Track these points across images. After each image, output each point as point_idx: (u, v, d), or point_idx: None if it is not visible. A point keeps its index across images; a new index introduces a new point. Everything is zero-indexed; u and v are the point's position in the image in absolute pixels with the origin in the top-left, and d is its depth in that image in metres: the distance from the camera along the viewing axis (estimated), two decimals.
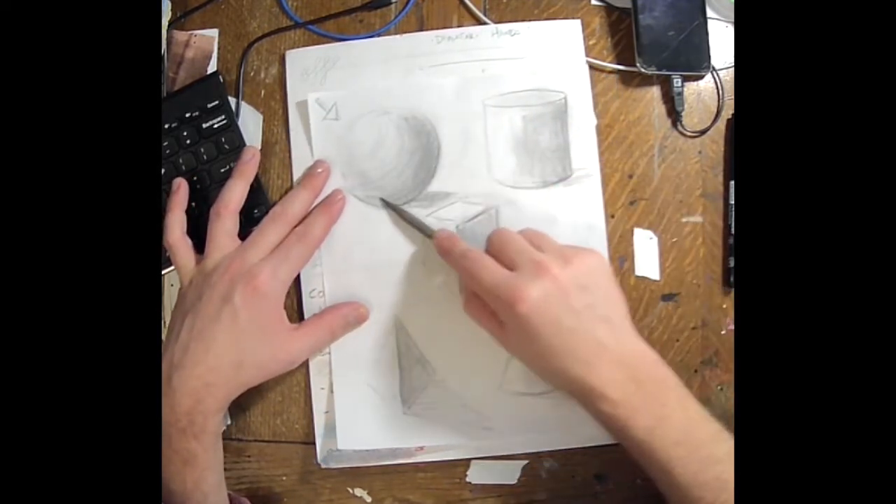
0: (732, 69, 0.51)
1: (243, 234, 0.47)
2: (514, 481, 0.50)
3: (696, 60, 0.50)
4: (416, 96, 0.50)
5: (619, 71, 0.51)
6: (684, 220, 0.51)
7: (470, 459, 0.50)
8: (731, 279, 0.50)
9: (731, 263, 0.49)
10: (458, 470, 0.50)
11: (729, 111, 0.51)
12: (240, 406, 0.51)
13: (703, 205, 0.51)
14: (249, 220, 0.49)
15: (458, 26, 0.52)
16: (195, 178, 0.51)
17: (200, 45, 0.53)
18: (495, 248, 0.44)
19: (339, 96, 0.51)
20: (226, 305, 0.44)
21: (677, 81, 0.50)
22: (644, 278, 0.50)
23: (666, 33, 0.49)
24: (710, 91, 0.51)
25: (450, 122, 0.50)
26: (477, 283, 0.42)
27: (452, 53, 0.51)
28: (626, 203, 0.51)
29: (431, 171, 0.50)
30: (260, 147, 0.52)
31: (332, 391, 0.50)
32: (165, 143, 0.50)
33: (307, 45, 0.52)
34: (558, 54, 0.51)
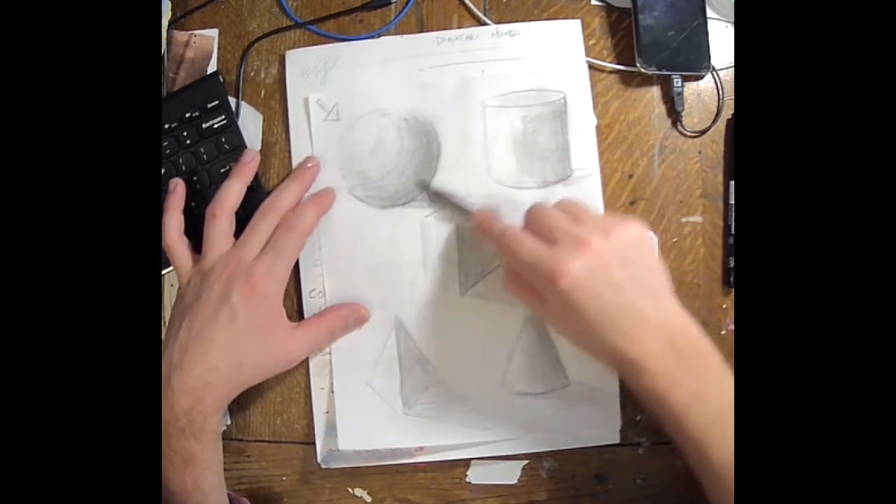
0: (732, 69, 0.51)
1: (240, 233, 0.47)
2: (514, 481, 0.50)
3: (696, 60, 0.50)
4: (416, 97, 0.50)
5: (619, 71, 0.51)
6: (684, 220, 0.51)
7: (470, 459, 0.50)
8: (731, 279, 0.50)
9: (731, 263, 0.49)
10: (458, 470, 0.50)
11: (729, 111, 0.51)
12: (240, 406, 0.51)
13: (703, 205, 0.51)
14: (248, 220, 0.49)
15: (458, 27, 0.52)
16: (195, 178, 0.51)
17: (200, 45, 0.54)
18: (533, 223, 0.43)
19: (340, 97, 0.51)
20: (223, 305, 0.44)
21: (677, 81, 0.50)
22: None
23: (666, 33, 0.49)
24: (710, 91, 0.51)
25: (450, 123, 0.50)
26: (517, 260, 0.42)
27: (452, 54, 0.51)
28: (626, 203, 0.51)
29: (431, 172, 0.50)
30: (260, 147, 0.52)
31: (332, 391, 0.50)
32: (165, 143, 0.50)
33: (307, 45, 0.52)
34: (558, 54, 0.51)
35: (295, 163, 0.51)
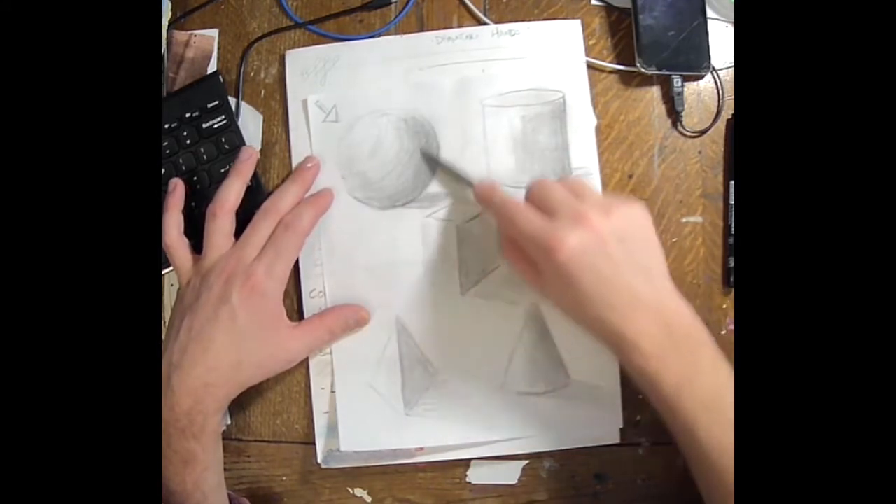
0: (732, 69, 0.51)
1: (240, 234, 0.47)
2: (514, 481, 0.50)
3: (696, 60, 0.50)
4: (416, 97, 0.50)
5: (619, 71, 0.51)
6: (684, 220, 0.51)
7: (470, 459, 0.50)
8: (731, 279, 0.50)
9: (731, 263, 0.49)
10: (458, 470, 0.50)
11: (729, 111, 0.51)
12: (240, 406, 0.51)
13: (703, 205, 0.51)
14: (248, 219, 0.49)
15: (458, 26, 0.52)
16: (195, 178, 0.51)
17: (200, 45, 0.54)
18: (535, 196, 0.43)
19: (339, 98, 0.51)
20: (223, 306, 0.44)
21: (677, 81, 0.50)
22: None
23: (666, 33, 0.49)
24: (710, 91, 0.51)
25: (449, 123, 0.50)
26: (516, 229, 0.42)
27: (452, 54, 0.51)
28: None
29: (431, 172, 0.50)
30: (260, 147, 0.52)
31: (332, 391, 0.50)
32: (165, 143, 0.50)
33: (307, 45, 0.52)
34: (558, 54, 0.51)
35: (295, 163, 0.51)
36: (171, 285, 0.52)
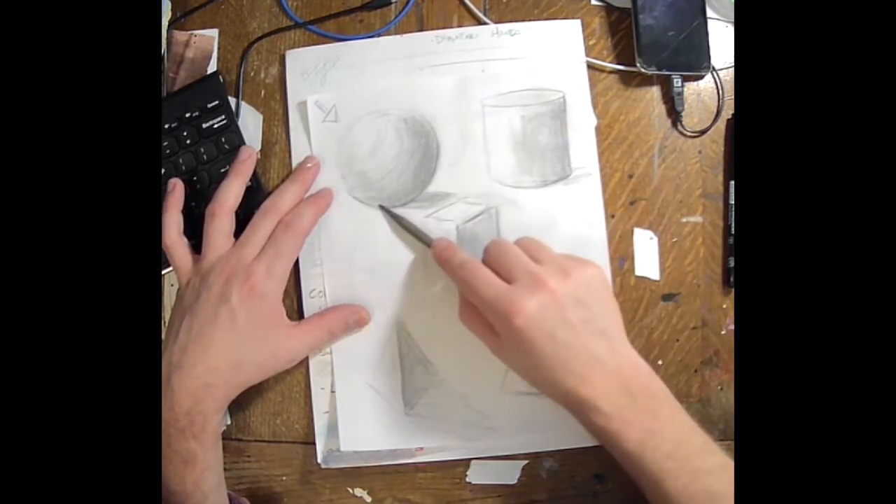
0: (732, 69, 0.51)
1: (240, 233, 0.47)
2: (514, 481, 0.50)
3: (696, 60, 0.50)
4: (416, 97, 0.50)
5: (619, 71, 0.51)
6: (684, 220, 0.51)
7: (470, 459, 0.50)
8: (731, 279, 0.50)
9: (731, 263, 0.49)
10: (458, 470, 0.50)
11: (729, 111, 0.51)
12: (240, 406, 0.51)
13: (703, 205, 0.51)
14: (248, 219, 0.49)
15: (458, 26, 0.52)
16: (195, 178, 0.51)
17: (200, 45, 0.54)
18: (493, 258, 0.43)
19: (339, 98, 0.51)
20: (223, 306, 0.44)
21: (677, 81, 0.50)
22: (644, 278, 0.50)
23: (666, 33, 0.49)
24: (710, 91, 0.51)
25: (449, 123, 0.50)
26: (474, 294, 0.42)
27: (452, 53, 0.51)
28: (626, 203, 0.51)
29: (431, 172, 0.50)
30: (260, 147, 0.52)
31: (332, 391, 0.50)
32: (165, 143, 0.50)
33: (307, 45, 0.52)
34: (558, 54, 0.51)
35: (295, 163, 0.51)
36: (171, 285, 0.52)
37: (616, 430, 0.39)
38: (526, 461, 0.50)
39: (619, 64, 0.51)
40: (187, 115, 0.51)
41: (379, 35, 0.52)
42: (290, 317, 0.47)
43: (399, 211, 0.49)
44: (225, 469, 0.46)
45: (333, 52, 0.52)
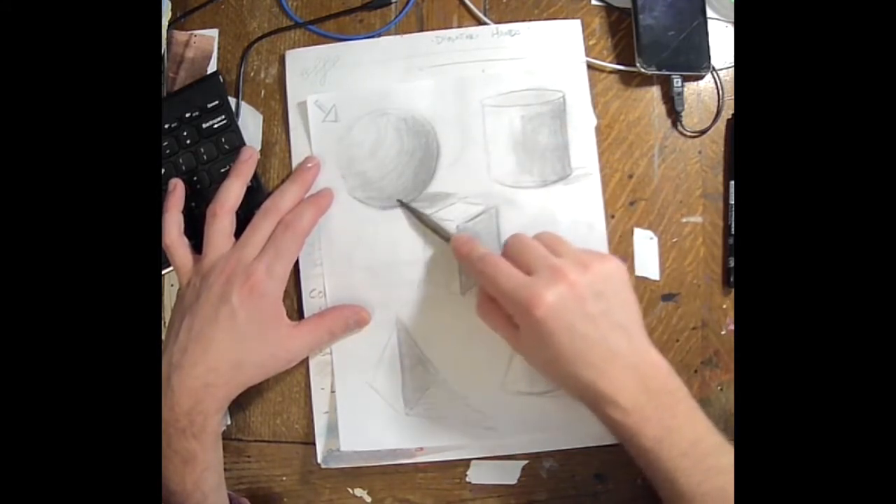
0: (732, 69, 0.51)
1: (240, 234, 0.47)
2: (514, 481, 0.50)
3: (696, 60, 0.50)
4: (416, 97, 0.50)
5: (619, 71, 0.51)
6: (684, 220, 0.51)
7: (470, 459, 0.50)
8: (731, 279, 0.50)
9: (731, 263, 0.49)
10: (458, 470, 0.50)
11: (729, 111, 0.51)
12: (240, 406, 0.51)
13: (703, 205, 0.51)
14: (249, 219, 0.49)
15: (458, 26, 0.52)
16: (195, 178, 0.51)
17: (200, 45, 0.54)
18: (513, 252, 0.44)
19: (338, 98, 0.51)
20: (223, 306, 0.44)
21: (677, 81, 0.50)
22: (644, 278, 0.50)
23: (666, 33, 0.49)
24: (710, 91, 0.51)
25: (449, 123, 0.50)
26: (494, 286, 0.42)
27: (452, 54, 0.51)
28: (626, 203, 0.51)
29: (431, 172, 0.50)
30: (260, 147, 0.52)
31: (332, 391, 0.50)
32: (165, 143, 0.50)
33: (307, 45, 0.52)
34: (558, 54, 0.51)
35: (295, 163, 0.51)
36: (171, 285, 0.52)
37: (634, 426, 0.39)
38: (526, 461, 0.50)
39: (619, 64, 0.51)
40: (187, 115, 0.51)
41: (379, 35, 0.52)
42: (290, 317, 0.47)
43: (416, 205, 0.49)
44: (225, 469, 0.46)
45: (333, 52, 0.52)
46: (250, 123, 0.52)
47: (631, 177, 0.51)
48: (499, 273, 0.42)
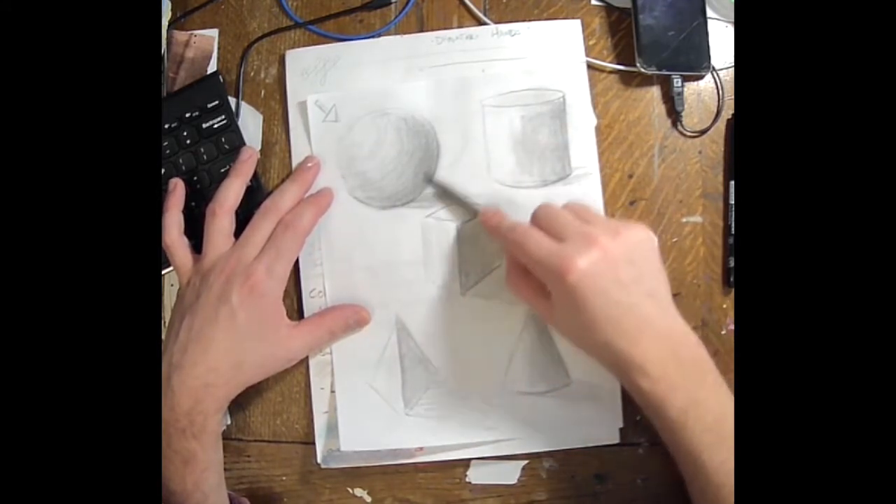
0: (732, 69, 0.51)
1: (240, 233, 0.47)
2: (514, 481, 0.50)
3: (696, 60, 0.50)
4: (416, 97, 0.50)
5: (619, 71, 0.51)
6: (684, 220, 0.51)
7: (470, 459, 0.50)
8: (731, 279, 0.50)
9: (731, 263, 0.49)
10: (458, 470, 0.50)
11: (729, 111, 0.51)
12: (240, 406, 0.51)
13: (703, 205, 0.51)
14: (248, 219, 0.49)
15: (459, 26, 0.52)
16: (195, 178, 0.51)
17: (200, 45, 0.54)
18: (542, 221, 0.43)
19: (339, 98, 0.51)
20: (223, 306, 0.44)
21: (677, 81, 0.50)
22: None
23: (666, 33, 0.49)
24: (710, 91, 0.51)
25: (449, 123, 0.50)
26: (526, 254, 0.42)
27: (452, 54, 0.51)
28: (626, 203, 0.51)
29: (431, 172, 0.50)
30: (260, 147, 0.52)
31: (332, 391, 0.50)
32: (165, 143, 0.50)
33: (307, 45, 0.52)
34: (558, 54, 0.51)
35: (295, 163, 0.51)
36: (171, 285, 0.52)
37: (661, 395, 0.39)
38: (526, 461, 0.50)
39: (619, 64, 0.51)
40: (187, 115, 0.51)
41: (379, 35, 0.52)
42: (290, 317, 0.47)
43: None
44: (225, 469, 0.46)
45: (333, 52, 0.52)
46: (250, 123, 0.52)
47: (631, 177, 0.51)
48: (530, 241, 0.42)
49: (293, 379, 0.51)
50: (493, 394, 0.49)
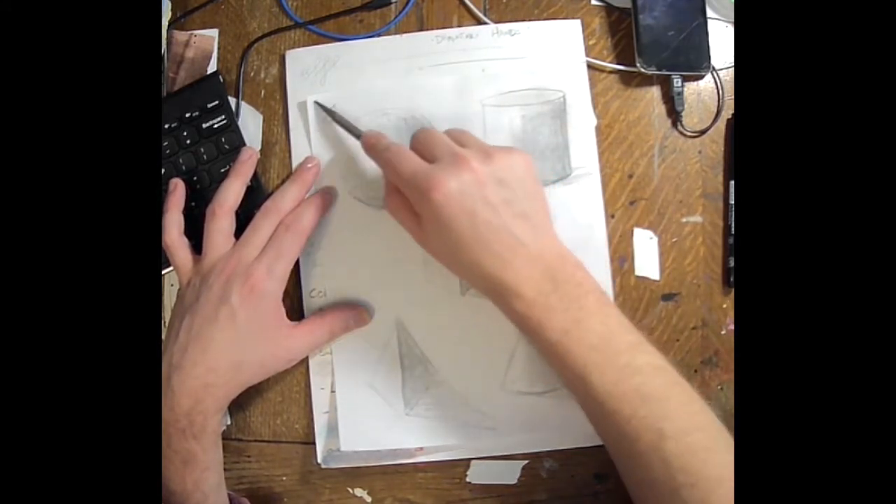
0: (732, 69, 0.51)
1: (240, 234, 0.47)
2: (514, 481, 0.50)
3: (696, 60, 0.50)
4: (416, 96, 0.51)
5: (619, 71, 0.51)
6: (684, 220, 0.51)
7: (470, 459, 0.50)
8: (731, 279, 0.50)
9: (731, 263, 0.49)
10: (458, 470, 0.50)
11: (729, 111, 0.51)
12: (240, 406, 0.51)
13: (703, 205, 0.51)
14: (249, 220, 0.49)
15: (458, 26, 0.52)
16: (195, 178, 0.51)
17: (200, 45, 0.54)
18: (419, 143, 0.43)
19: (339, 98, 0.51)
20: (223, 306, 0.44)
21: (677, 81, 0.50)
22: (644, 278, 0.50)
23: (666, 33, 0.49)
24: (710, 91, 0.51)
25: (449, 122, 0.50)
26: (396, 173, 0.42)
27: (452, 53, 0.51)
28: (626, 203, 0.51)
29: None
30: (260, 147, 0.52)
31: (332, 391, 0.50)
32: (165, 143, 0.50)
33: (307, 45, 0.52)
34: (558, 54, 0.51)
35: (295, 163, 0.51)
36: (171, 285, 0.52)
37: (538, 318, 0.39)
38: (526, 461, 0.50)
39: (619, 64, 0.51)
40: (187, 115, 0.51)
41: (379, 35, 0.52)
42: (290, 317, 0.47)
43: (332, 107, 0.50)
44: (225, 469, 0.46)
45: (333, 52, 0.52)
46: (250, 123, 0.52)
47: (631, 177, 0.51)
48: (401, 160, 0.42)
49: (293, 379, 0.51)
50: (493, 394, 0.49)
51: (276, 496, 0.51)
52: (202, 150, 0.51)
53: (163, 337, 0.48)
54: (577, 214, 0.49)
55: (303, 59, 0.52)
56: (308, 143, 0.51)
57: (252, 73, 0.53)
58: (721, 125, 0.51)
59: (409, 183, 0.41)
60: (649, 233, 0.50)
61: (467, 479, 0.50)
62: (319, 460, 0.50)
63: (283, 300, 0.46)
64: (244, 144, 0.51)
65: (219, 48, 0.53)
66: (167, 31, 0.53)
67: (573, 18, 0.51)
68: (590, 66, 0.51)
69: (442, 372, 0.50)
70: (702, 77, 0.51)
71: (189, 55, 0.53)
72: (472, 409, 0.49)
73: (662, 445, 0.36)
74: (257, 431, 0.52)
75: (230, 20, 0.54)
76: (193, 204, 0.50)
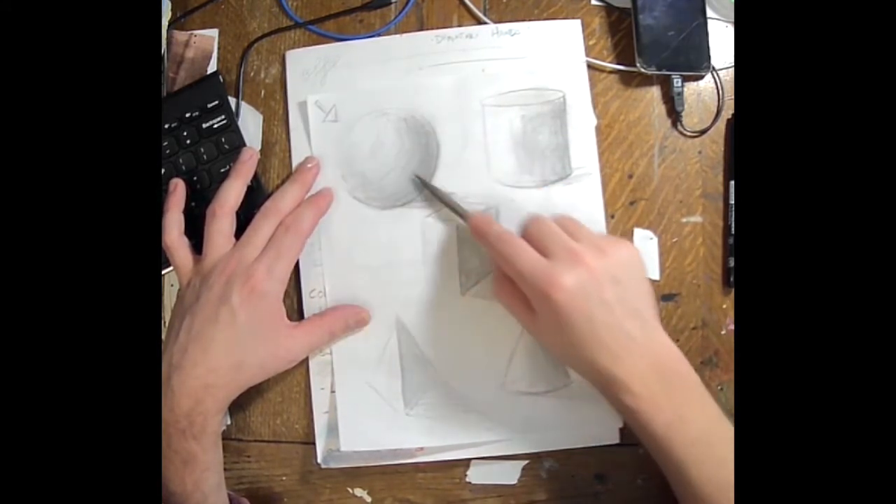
0: (732, 69, 0.51)
1: (240, 234, 0.47)
2: (514, 481, 0.50)
3: (696, 60, 0.50)
4: (416, 96, 0.50)
5: (619, 71, 0.51)
6: (684, 220, 0.51)
7: (470, 459, 0.50)
8: (731, 279, 0.50)
9: (731, 263, 0.49)
10: (458, 470, 0.50)
11: (729, 111, 0.51)
12: (240, 406, 0.51)
13: (703, 205, 0.51)
14: (249, 220, 0.49)
15: (458, 26, 0.52)
16: (195, 178, 0.51)
17: (200, 45, 0.54)
18: (531, 234, 0.43)
19: (339, 98, 0.51)
20: (223, 306, 0.44)
21: (677, 81, 0.50)
22: None
23: (666, 33, 0.49)
24: (710, 91, 0.51)
25: (449, 122, 0.50)
26: (512, 267, 0.42)
27: (452, 53, 0.51)
28: (626, 203, 0.51)
29: (431, 172, 0.50)
30: (260, 147, 0.52)
31: (332, 391, 0.50)
32: (165, 143, 0.50)
33: (307, 45, 0.52)
34: (558, 54, 0.51)
35: (295, 163, 0.51)
36: (171, 285, 0.52)
37: (646, 412, 0.39)
38: (526, 461, 0.50)
39: (619, 64, 0.51)
40: (187, 115, 0.51)
41: (379, 35, 0.52)
42: (290, 317, 0.47)
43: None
44: (225, 469, 0.46)
45: (333, 52, 0.52)
46: (250, 123, 0.52)
47: (631, 177, 0.51)
48: (517, 254, 0.42)
49: (293, 379, 0.51)
50: (493, 394, 0.49)
51: (276, 496, 0.51)
52: (202, 150, 0.51)
53: (163, 337, 0.48)
54: (577, 215, 0.49)
55: (303, 59, 0.52)
56: (308, 143, 0.51)
57: (252, 73, 0.53)
58: (721, 125, 0.51)
59: (526, 279, 0.41)
60: (649, 233, 0.50)
61: (467, 479, 0.50)
62: (319, 460, 0.50)
63: (283, 300, 0.46)
64: (244, 144, 0.51)
65: (219, 48, 0.53)
66: (167, 31, 0.53)
67: (573, 18, 0.51)
68: (590, 66, 0.51)
69: (442, 372, 0.50)
70: (702, 77, 0.51)
71: (189, 55, 0.53)
72: (473, 409, 0.49)
73: None
74: (257, 431, 0.52)
75: (230, 20, 0.54)
76: (193, 204, 0.50)
